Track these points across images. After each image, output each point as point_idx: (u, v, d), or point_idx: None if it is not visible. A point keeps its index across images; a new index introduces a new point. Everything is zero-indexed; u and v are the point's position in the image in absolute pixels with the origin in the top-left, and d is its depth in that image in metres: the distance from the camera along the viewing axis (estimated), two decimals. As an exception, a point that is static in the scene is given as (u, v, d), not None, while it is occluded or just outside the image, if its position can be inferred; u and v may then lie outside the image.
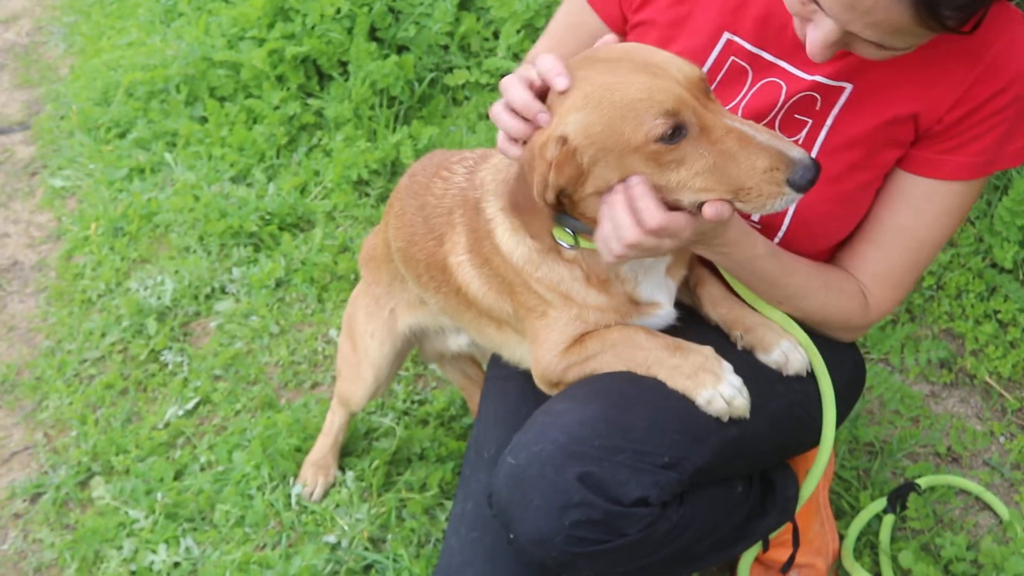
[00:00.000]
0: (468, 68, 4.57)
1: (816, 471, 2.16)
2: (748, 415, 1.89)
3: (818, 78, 2.01)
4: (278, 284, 3.83)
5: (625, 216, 1.73)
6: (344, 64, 4.61)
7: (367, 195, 4.25)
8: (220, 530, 2.88)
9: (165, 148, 4.65)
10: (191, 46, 4.87)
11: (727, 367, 1.90)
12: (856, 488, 2.85)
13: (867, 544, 2.71)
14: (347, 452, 3.08)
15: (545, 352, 2.04)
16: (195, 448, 3.17)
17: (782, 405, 2.03)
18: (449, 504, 2.89)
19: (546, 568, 1.86)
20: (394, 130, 4.43)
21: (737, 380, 1.89)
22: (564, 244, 1.92)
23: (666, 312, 2.05)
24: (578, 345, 2.01)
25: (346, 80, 4.56)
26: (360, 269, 2.77)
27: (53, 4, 6.72)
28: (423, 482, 2.96)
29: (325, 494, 2.96)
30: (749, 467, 2.07)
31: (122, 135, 4.84)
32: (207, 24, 5.02)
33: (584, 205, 1.83)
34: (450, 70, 4.63)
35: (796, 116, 2.06)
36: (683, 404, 1.89)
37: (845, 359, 2.23)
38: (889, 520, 2.69)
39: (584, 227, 1.87)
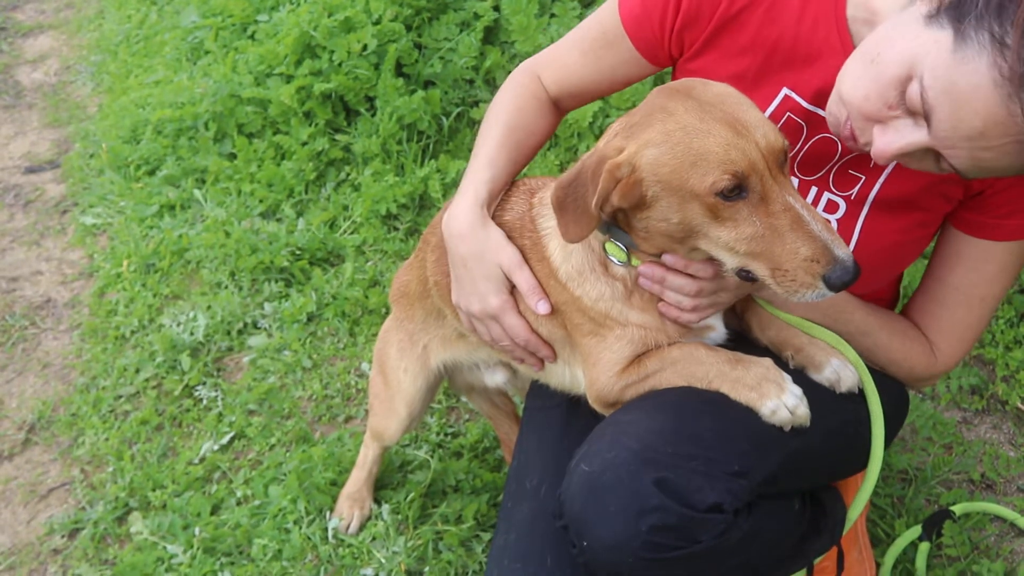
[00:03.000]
0: (494, 102, 4.64)
1: (865, 491, 2.19)
2: (809, 424, 1.93)
3: None
4: (310, 318, 3.89)
5: (678, 278, 1.90)
6: (371, 100, 4.69)
7: (396, 229, 4.32)
8: (258, 564, 2.92)
9: (194, 185, 4.73)
10: (219, 83, 4.95)
11: (788, 377, 1.94)
12: (891, 516, 2.87)
13: (903, 572, 2.73)
14: (382, 485, 3.13)
15: (601, 373, 2.08)
16: (231, 483, 3.22)
17: (836, 422, 2.08)
18: (486, 536, 2.92)
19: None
20: (422, 164, 4.50)
21: (798, 390, 1.93)
22: (615, 260, 1.98)
23: (718, 334, 2.11)
24: (636, 364, 2.05)
25: (373, 115, 4.64)
26: (392, 305, 2.82)
27: (80, 44, 6.84)
28: (459, 514, 3.00)
29: (361, 527, 3.00)
30: (805, 482, 2.11)
31: (151, 172, 4.92)
32: (234, 62, 5.11)
33: (641, 227, 1.90)
34: (476, 104, 4.70)
35: (850, 171, 2.11)
36: (747, 415, 1.93)
37: (890, 385, 2.27)
38: (925, 548, 2.71)
39: (636, 245, 1.95)
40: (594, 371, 2.11)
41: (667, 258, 1.92)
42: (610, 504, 1.84)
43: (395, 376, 2.75)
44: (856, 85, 1.80)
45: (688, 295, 1.97)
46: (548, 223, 2.14)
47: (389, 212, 4.29)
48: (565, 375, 2.33)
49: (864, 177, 2.10)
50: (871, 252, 2.11)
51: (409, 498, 3.05)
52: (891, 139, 1.78)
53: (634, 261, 2.00)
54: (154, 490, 3.22)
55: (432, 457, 3.20)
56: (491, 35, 4.81)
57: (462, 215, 2.22)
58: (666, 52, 2.27)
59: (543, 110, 2.42)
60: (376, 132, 4.54)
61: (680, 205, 1.79)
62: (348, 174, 4.58)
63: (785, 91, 2.12)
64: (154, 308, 4.05)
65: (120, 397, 3.66)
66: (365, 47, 4.64)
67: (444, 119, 4.63)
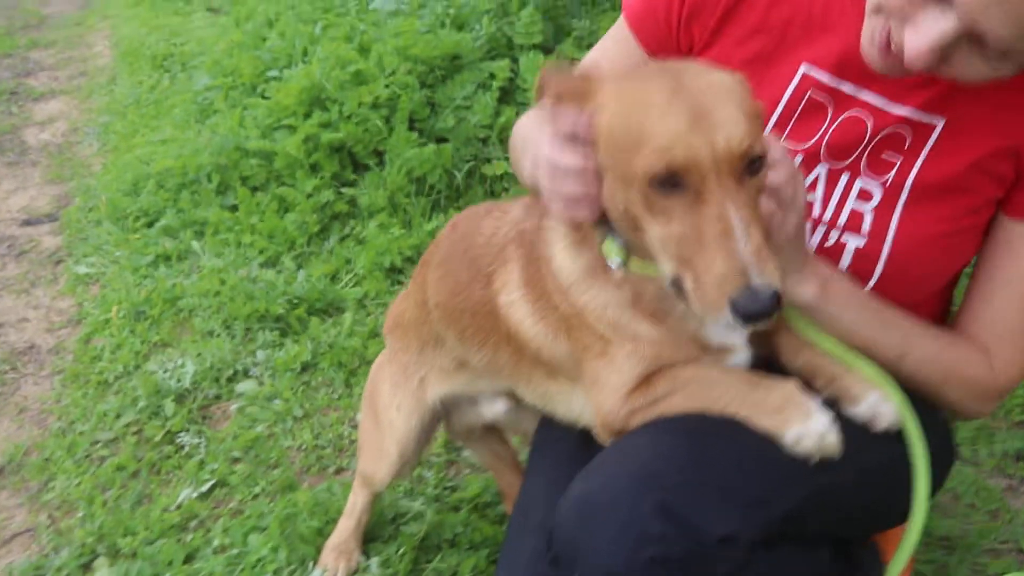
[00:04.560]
0: (507, 159, 4.48)
1: (907, 545, 1.90)
2: (839, 456, 1.68)
3: (906, 112, 1.86)
4: (304, 368, 3.67)
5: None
6: (380, 154, 4.54)
7: (400, 283, 4.11)
8: (230, 617, 2.66)
9: (193, 236, 4.55)
10: (224, 137, 4.82)
11: (815, 402, 1.70)
12: (934, 583, 2.60)
13: (948, 646, 2.46)
14: (372, 538, 2.86)
15: (607, 396, 1.85)
16: (208, 531, 2.96)
17: (872, 462, 1.82)
18: (482, 592, 2.66)
19: None
20: (430, 218, 4.32)
21: (827, 417, 1.69)
22: (612, 261, 1.76)
23: (741, 357, 1.86)
24: (644, 387, 1.81)
25: (381, 169, 4.47)
26: (386, 338, 2.61)
27: (90, 107, 6.76)
28: (454, 570, 2.73)
29: (347, 581, 2.74)
30: (836, 528, 1.84)
31: (150, 224, 4.75)
32: (242, 117, 4.98)
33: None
34: (489, 160, 4.54)
35: (884, 156, 1.90)
36: (767, 445, 1.68)
37: (934, 427, 2.00)
38: (973, 619, 2.44)
39: (637, 245, 1.71)
40: (600, 395, 1.88)
41: None
42: (606, 530, 1.60)
43: (387, 415, 2.52)
44: None
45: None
46: (552, 223, 1.93)
47: (393, 265, 4.10)
48: (572, 402, 2.10)
49: (900, 159, 1.88)
50: (913, 246, 1.88)
51: (400, 551, 2.78)
52: (922, 35, 1.60)
53: (633, 264, 1.77)
54: (124, 536, 2.96)
55: (428, 509, 2.94)
56: (506, 94, 4.68)
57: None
58: (675, 46, 2.09)
59: None
60: (384, 185, 4.37)
61: (623, 186, 1.61)
62: (353, 228, 4.41)
63: (804, 68, 1.94)
64: (141, 355, 3.84)
65: (97, 442, 3.42)
66: (376, 99, 4.51)
67: (456, 173, 4.46)
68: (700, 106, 1.55)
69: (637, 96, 1.60)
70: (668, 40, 2.09)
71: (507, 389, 2.34)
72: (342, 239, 4.36)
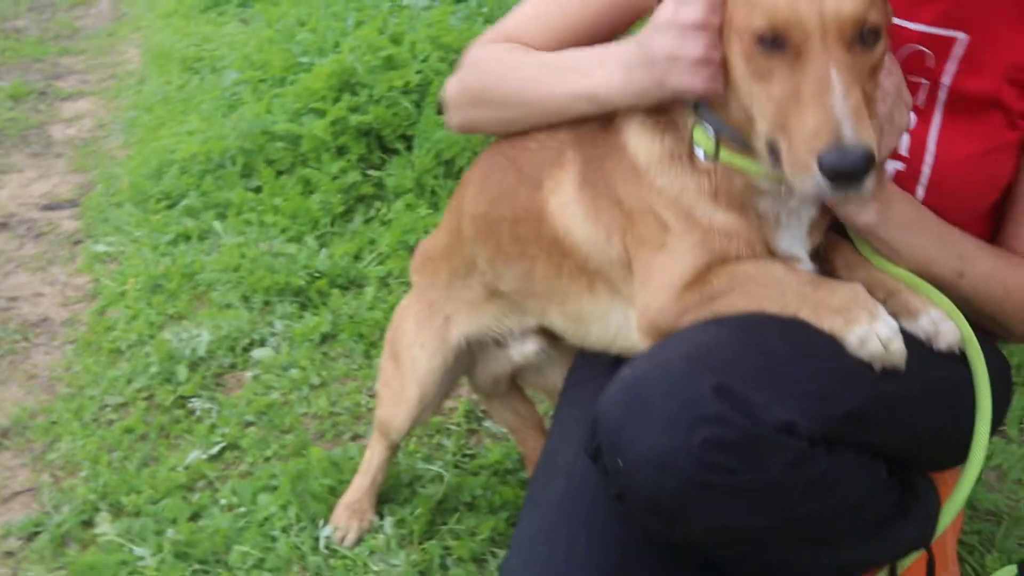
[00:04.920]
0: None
1: (966, 481, 1.77)
2: (903, 366, 1.55)
3: (924, 27, 1.79)
4: (323, 339, 3.54)
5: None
6: (408, 138, 4.43)
7: (424, 262, 3.99)
8: (235, 573, 2.51)
9: (215, 217, 4.45)
10: (251, 122, 4.73)
11: (882, 307, 1.59)
12: (980, 551, 2.44)
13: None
14: (388, 499, 2.72)
15: (659, 291, 1.73)
16: (216, 491, 2.82)
17: (935, 380, 1.70)
18: (501, 553, 2.50)
19: (660, 513, 1.50)
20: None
21: (893, 322, 1.57)
22: (700, 151, 1.67)
23: (805, 268, 1.76)
24: (701, 282, 1.69)
25: (410, 153, 4.37)
26: (412, 276, 2.49)
27: (117, 106, 6.70)
28: (472, 531, 2.58)
29: (359, 540, 2.59)
30: (898, 442, 1.69)
31: (171, 206, 4.65)
32: (270, 104, 4.89)
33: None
34: (519, 146, 4.43)
35: (911, 79, 1.79)
36: (831, 344, 1.57)
37: (993, 358, 1.87)
38: (1023, 588, 2.26)
39: (731, 133, 1.66)
40: (650, 290, 1.76)
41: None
42: (657, 411, 1.49)
43: (409, 353, 2.39)
44: None
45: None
46: (631, 120, 1.84)
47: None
48: (609, 321, 1.97)
49: (927, 82, 1.81)
50: (952, 166, 1.80)
51: (416, 512, 2.64)
52: None
53: (722, 155, 1.69)
54: (128, 494, 2.82)
55: (447, 472, 2.79)
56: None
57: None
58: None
59: None
60: (412, 167, 4.26)
61: (734, 47, 1.58)
62: (378, 210, 4.29)
63: None
64: (156, 326, 3.72)
65: (106, 406, 3.30)
66: (407, 84, 4.41)
67: (485, 157, 4.35)
68: None
69: None
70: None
71: (537, 324, 2.22)
72: (367, 220, 4.25)
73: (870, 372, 1.56)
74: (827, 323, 1.58)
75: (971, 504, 2.59)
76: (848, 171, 1.41)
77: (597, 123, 1.92)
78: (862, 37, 1.50)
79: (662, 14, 1.69)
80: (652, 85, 1.73)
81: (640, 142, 1.78)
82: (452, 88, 2.16)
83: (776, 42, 1.50)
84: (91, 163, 5.67)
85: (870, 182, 1.45)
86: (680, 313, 1.70)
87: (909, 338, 1.62)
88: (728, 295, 1.67)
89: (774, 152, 1.54)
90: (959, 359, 1.72)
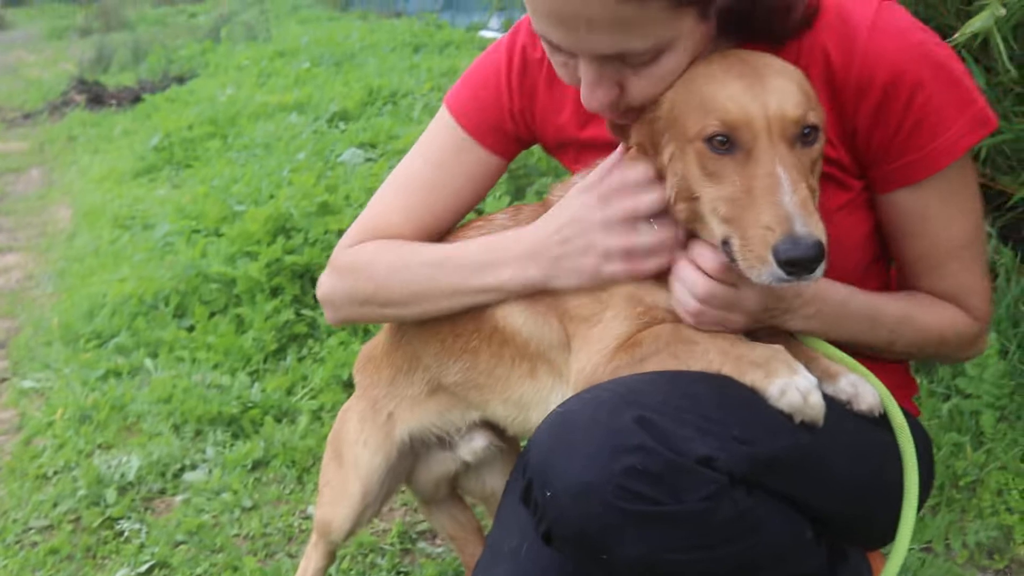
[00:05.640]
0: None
1: (896, 556, 1.82)
2: (822, 421, 1.63)
3: None
4: (255, 465, 3.52)
5: (689, 271, 1.74)
6: (342, 281, 4.50)
7: (357, 396, 4.01)
8: None
9: (146, 355, 4.43)
10: (186, 265, 4.78)
11: (801, 364, 1.67)
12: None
13: None
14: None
15: (592, 354, 1.81)
16: (144, 609, 2.76)
17: (857, 439, 1.77)
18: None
19: (585, 545, 1.54)
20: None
21: (812, 377, 1.65)
22: None
23: None
24: (630, 344, 1.78)
25: (343, 294, 4.44)
26: (355, 376, 2.53)
27: (47, 259, 6.69)
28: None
29: (292, 651, 2.54)
30: (820, 500, 1.75)
31: (102, 344, 4.63)
32: (204, 249, 4.96)
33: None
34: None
35: None
36: (753, 395, 1.65)
37: (913, 427, 1.96)
38: None
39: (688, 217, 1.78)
40: (583, 354, 1.85)
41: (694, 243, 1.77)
42: (581, 442, 1.55)
43: (352, 451, 2.41)
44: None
45: (696, 296, 1.73)
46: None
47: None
48: (550, 402, 2.03)
49: None
50: None
51: (351, 624, 2.61)
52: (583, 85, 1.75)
53: None
54: (52, 612, 2.75)
55: (381, 586, 2.78)
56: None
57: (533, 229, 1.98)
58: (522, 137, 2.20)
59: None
60: (345, 306, 4.32)
61: (681, 153, 1.71)
62: (311, 349, 4.32)
63: None
64: (84, 453, 3.67)
65: (30, 529, 3.24)
66: (342, 228, 4.52)
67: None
68: (757, 76, 1.66)
69: (698, 71, 1.72)
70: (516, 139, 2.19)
71: (480, 416, 2.27)
72: (300, 359, 4.27)
73: (791, 423, 1.63)
74: (748, 376, 1.66)
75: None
76: (801, 260, 1.53)
77: (532, 211, 2.04)
78: (803, 135, 1.64)
79: (589, 200, 1.85)
80: (581, 279, 1.86)
81: None
82: (329, 289, 2.22)
83: (726, 141, 1.62)
84: (18, 309, 5.64)
85: (820, 269, 1.56)
86: (611, 373, 1.78)
87: (829, 399, 1.70)
88: (656, 355, 1.76)
89: (726, 246, 1.65)
90: (879, 423, 1.80)
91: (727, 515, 1.55)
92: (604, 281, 1.84)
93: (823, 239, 1.55)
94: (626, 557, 1.53)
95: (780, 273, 1.55)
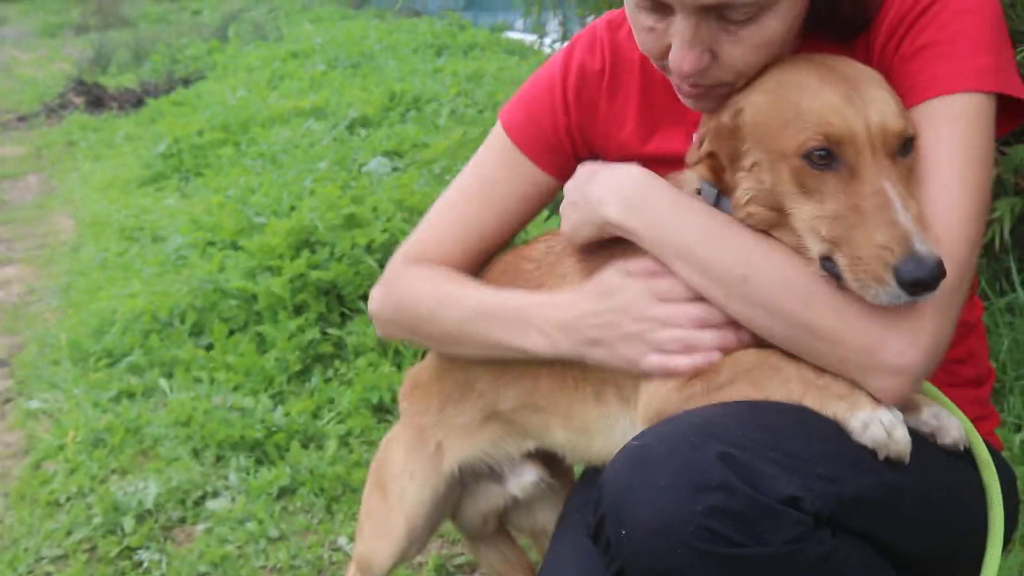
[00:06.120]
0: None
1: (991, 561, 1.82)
2: (907, 458, 1.63)
3: None
4: (281, 493, 3.53)
5: (673, 317, 1.84)
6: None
7: (388, 422, 4.02)
8: None
9: (161, 375, 4.45)
10: (202, 279, 4.81)
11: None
12: None
13: None
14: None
15: (663, 382, 1.81)
16: (168, 644, 2.77)
17: (942, 479, 1.78)
18: None
19: None
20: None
21: (897, 411, 1.66)
22: None
23: None
24: (705, 372, 1.78)
25: (371, 313, 4.45)
26: (401, 404, 2.53)
27: (49, 272, 6.74)
28: None
29: None
30: (905, 540, 1.75)
31: (113, 363, 4.66)
32: (222, 264, 4.98)
33: (738, 191, 1.79)
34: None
35: None
36: (835, 429, 1.65)
37: (1000, 466, 1.95)
38: None
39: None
40: (654, 383, 1.85)
41: None
42: (661, 477, 1.55)
43: (397, 484, 2.41)
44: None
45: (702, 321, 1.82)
46: None
47: (382, 402, 4.02)
48: (615, 431, 2.03)
49: None
50: None
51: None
52: (674, 48, 1.74)
53: None
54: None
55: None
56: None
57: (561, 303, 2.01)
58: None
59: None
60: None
61: (771, 165, 1.71)
62: (338, 370, 4.34)
63: None
64: (97, 480, 3.69)
65: (42, 559, 3.25)
66: (371, 243, 4.55)
67: (451, 318, 4.45)
68: (852, 85, 1.67)
69: (785, 79, 1.73)
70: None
71: (535, 446, 2.27)
72: (327, 380, 4.29)
73: (875, 459, 1.63)
74: (831, 409, 1.66)
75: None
76: (925, 280, 1.53)
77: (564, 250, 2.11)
78: (903, 148, 1.66)
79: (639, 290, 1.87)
80: (617, 363, 1.89)
81: None
82: (378, 308, 2.30)
83: (827, 157, 1.63)
84: (21, 325, 5.67)
85: (941, 286, 1.57)
86: (684, 402, 1.78)
87: (912, 432, 1.70)
88: (733, 384, 1.76)
89: (828, 264, 1.65)
90: (960, 456, 1.80)
91: (812, 558, 1.55)
92: (642, 372, 1.85)
93: (940, 255, 1.56)
94: None
95: (900, 293, 1.56)
